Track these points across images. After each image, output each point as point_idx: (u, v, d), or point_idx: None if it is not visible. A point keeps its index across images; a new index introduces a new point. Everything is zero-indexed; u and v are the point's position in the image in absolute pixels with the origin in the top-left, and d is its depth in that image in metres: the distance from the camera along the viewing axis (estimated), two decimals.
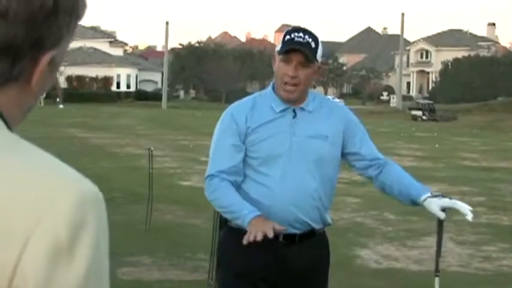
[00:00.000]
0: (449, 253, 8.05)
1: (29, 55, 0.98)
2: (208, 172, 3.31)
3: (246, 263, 3.25)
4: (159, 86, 72.78)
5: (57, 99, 52.18)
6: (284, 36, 3.25)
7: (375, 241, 8.89)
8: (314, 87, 62.87)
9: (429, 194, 3.26)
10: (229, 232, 3.34)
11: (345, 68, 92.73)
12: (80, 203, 0.93)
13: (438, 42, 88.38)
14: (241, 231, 3.13)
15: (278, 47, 3.27)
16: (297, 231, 3.27)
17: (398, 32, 66.52)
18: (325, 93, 75.77)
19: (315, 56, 3.24)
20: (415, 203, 3.31)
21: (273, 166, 3.25)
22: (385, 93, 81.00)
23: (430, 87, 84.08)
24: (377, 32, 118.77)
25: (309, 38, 3.21)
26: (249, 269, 3.26)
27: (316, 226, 3.34)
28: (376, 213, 10.68)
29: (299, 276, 3.32)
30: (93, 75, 67.00)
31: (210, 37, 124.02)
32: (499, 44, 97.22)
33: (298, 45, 3.19)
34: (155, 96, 66.32)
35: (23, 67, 0.99)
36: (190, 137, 24.81)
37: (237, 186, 3.28)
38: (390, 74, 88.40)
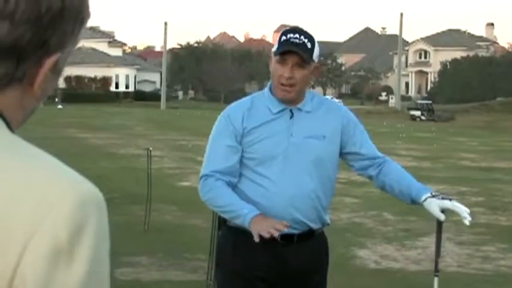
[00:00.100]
0: (448, 253, 8.05)
1: (33, 57, 0.99)
2: (202, 172, 3.30)
3: (245, 262, 3.25)
4: (158, 86, 72.79)
5: (56, 100, 52.15)
6: (280, 37, 3.25)
7: (373, 241, 8.88)
8: (313, 87, 63.00)
9: (429, 194, 3.27)
10: (227, 232, 3.34)
11: (343, 68, 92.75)
12: (81, 204, 0.93)
13: (437, 43, 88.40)
14: (239, 231, 3.13)
15: (274, 48, 3.27)
16: (295, 232, 3.27)
17: (397, 32, 66.53)
18: (324, 94, 75.81)
19: (311, 57, 3.23)
20: (415, 202, 3.32)
21: (270, 167, 3.24)
22: (383, 94, 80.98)
23: (429, 88, 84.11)
24: (375, 32, 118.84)
25: (304, 38, 3.21)
26: (247, 268, 3.25)
27: (315, 226, 3.34)
28: (375, 213, 10.68)
29: (298, 276, 3.32)
30: (92, 75, 66.98)
31: (208, 37, 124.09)
32: (498, 44, 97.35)
33: (294, 46, 3.18)
34: (154, 96, 66.35)
35: (27, 69, 0.99)
36: (189, 137, 24.78)
37: (233, 187, 3.27)
38: (389, 74, 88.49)
